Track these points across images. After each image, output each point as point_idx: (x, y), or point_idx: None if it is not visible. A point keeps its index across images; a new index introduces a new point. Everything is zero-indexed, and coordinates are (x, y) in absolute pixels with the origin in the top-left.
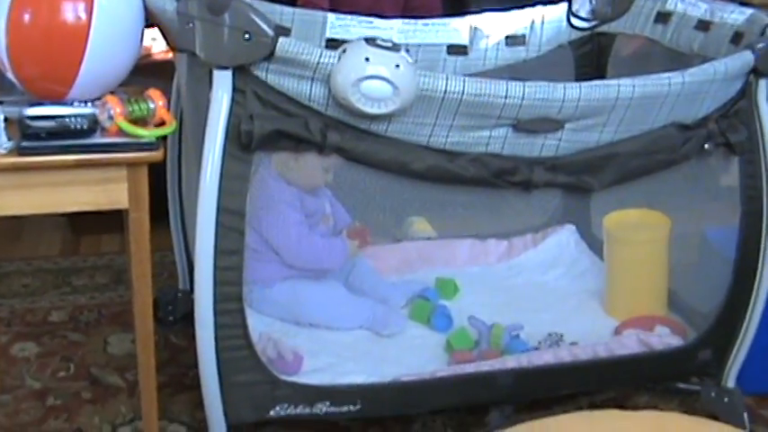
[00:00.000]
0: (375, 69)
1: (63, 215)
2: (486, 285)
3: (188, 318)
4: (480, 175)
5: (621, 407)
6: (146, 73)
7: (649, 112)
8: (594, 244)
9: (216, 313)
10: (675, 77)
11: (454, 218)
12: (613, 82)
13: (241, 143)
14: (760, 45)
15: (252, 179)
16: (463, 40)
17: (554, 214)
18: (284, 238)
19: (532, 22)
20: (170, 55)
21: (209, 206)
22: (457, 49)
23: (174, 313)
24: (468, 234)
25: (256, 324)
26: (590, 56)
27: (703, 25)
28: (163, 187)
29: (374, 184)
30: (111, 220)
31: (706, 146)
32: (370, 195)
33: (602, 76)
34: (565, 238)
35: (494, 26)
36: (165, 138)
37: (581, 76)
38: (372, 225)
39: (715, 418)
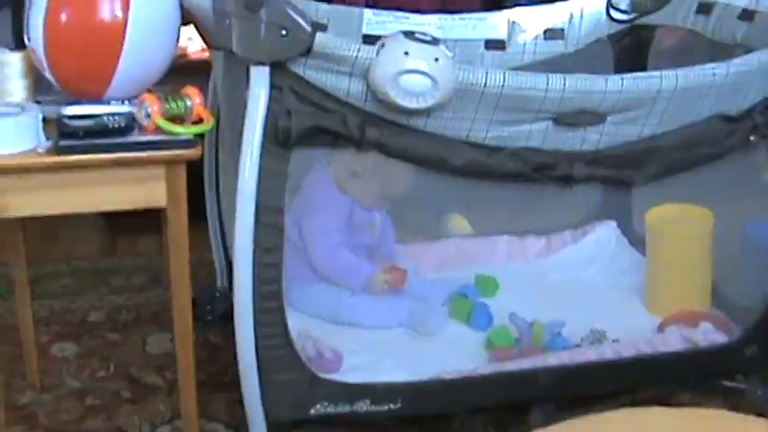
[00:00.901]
0: (414, 63)
1: (100, 215)
2: (525, 282)
3: (227, 317)
4: (520, 169)
5: (664, 405)
6: (182, 73)
7: (693, 104)
8: (636, 240)
9: (255, 311)
10: (719, 68)
11: (493, 214)
12: (656, 73)
13: (279, 139)
14: None
15: (304, 178)
16: (501, 34)
17: (594, 210)
18: (315, 240)
19: (571, 15)
20: (206, 54)
21: (247, 203)
22: (495, 44)
23: (213, 312)
24: (506, 231)
25: (296, 322)
26: (630, 49)
27: (748, 15)
28: (200, 186)
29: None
30: (148, 221)
31: (752, 138)
32: (408, 192)
33: (642, 70)
34: (605, 234)
35: (532, 20)
36: (202, 135)
37: (620, 70)
38: (410, 222)
39: (761, 416)
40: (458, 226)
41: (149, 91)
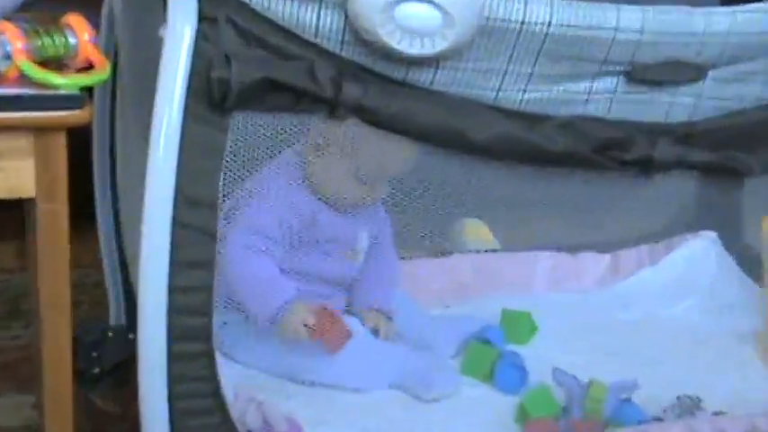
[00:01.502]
0: None
1: None
2: (577, 322)
3: (123, 369)
4: (574, 149)
5: None
6: None
7: None
8: (746, 259)
9: (170, 360)
10: None
11: (529, 219)
12: None
13: (212, 98)
14: None
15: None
16: None
17: (684, 214)
18: (231, 237)
19: None
20: None
21: (161, 195)
22: None
23: (102, 362)
24: (549, 244)
25: (232, 377)
26: None
27: None
28: (88, 171)
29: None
30: (1, 221)
31: None
32: (402, 184)
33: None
34: (701, 250)
35: None
36: (91, 91)
37: (730, 2)
38: (404, 230)
39: None
40: (475, 236)
41: (8, 20)
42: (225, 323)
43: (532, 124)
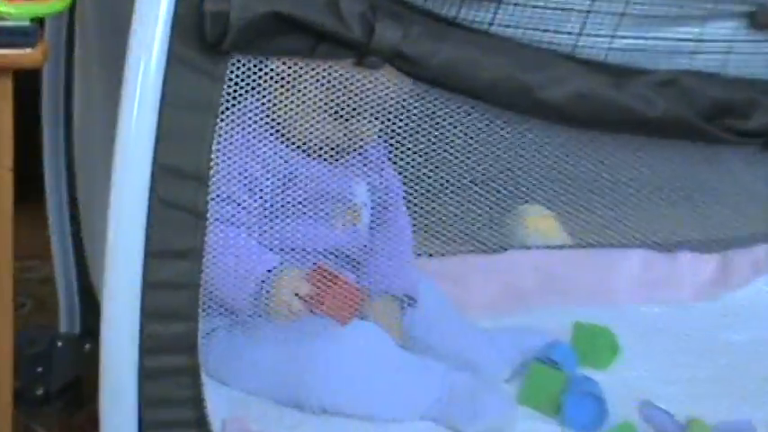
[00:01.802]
0: None
1: None
2: (672, 342)
3: (75, 390)
4: (676, 114)
5: None
6: None
7: None
8: None
9: (142, 377)
10: None
11: (609, 207)
12: None
13: (204, 38)
14: None
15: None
16: None
17: None
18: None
19: None
20: None
21: (135, 163)
22: None
23: (48, 381)
24: (636, 240)
25: (220, 402)
26: None
27: None
28: (35, 140)
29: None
30: None
31: None
32: (444, 162)
33: None
34: None
35: None
36: (42, 23)
37: None
38: (445, 218)
39: None
40: (538, 228)
41: None
42: (212, 331)
43: (622, 81)
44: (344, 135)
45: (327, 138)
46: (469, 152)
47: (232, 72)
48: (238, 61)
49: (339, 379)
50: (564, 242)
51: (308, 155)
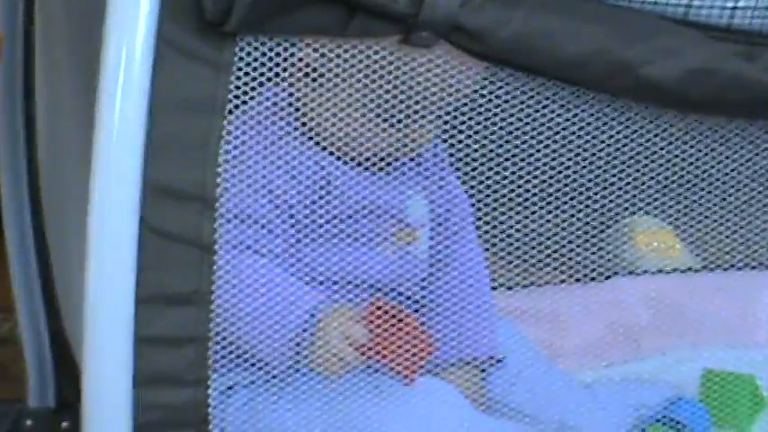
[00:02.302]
0: None
1: None
2: None
3: None
4: None
5: None
6: None
7: None
8: None
9: None
10: None
11: (744, 219)
12: None
13: (202, 15)
14: None
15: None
16: None
17: None
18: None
19: None
20: None
21: (118, 182)
22: None
23: None
24: None
25: None
26: None
27: None
28: None
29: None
30: None
31: None
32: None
33: None
34: None
35: None
36: None
37: None
38: (527, 236)
39: None
40: (652, 246)
41: None
42: (228, 389)
43: (754, 51)
44: (392, 137)
45: (370, 141)
46: (556, 151)
47: (241, 59)
48: (249, 45)
49: None
50: (686, 264)
51: (345, 162)
